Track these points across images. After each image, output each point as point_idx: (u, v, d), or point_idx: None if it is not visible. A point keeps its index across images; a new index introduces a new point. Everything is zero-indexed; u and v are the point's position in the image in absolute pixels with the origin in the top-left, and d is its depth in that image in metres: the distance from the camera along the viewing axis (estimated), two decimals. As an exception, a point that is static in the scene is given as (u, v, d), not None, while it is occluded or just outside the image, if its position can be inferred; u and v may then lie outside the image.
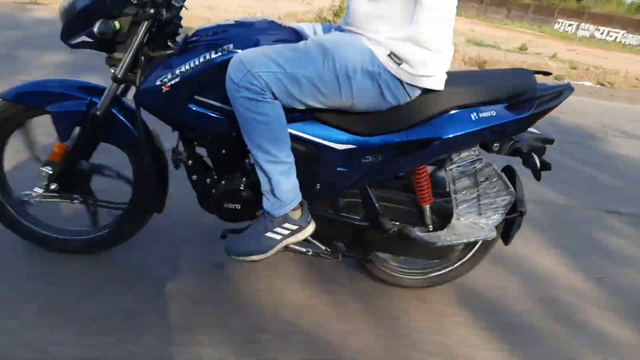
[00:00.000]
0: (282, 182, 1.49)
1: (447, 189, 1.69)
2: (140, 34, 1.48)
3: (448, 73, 1.51)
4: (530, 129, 1.67)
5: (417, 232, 1.69)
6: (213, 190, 1.68)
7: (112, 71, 1.55)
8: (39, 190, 1.70)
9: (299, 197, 1.56)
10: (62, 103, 1.60)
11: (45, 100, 1.60)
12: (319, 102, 1.46)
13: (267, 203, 1.54)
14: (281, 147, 1.46)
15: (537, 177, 1.71)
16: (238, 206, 1.67)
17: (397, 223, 1.73)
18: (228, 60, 1.43)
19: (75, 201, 1.74)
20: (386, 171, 1.64)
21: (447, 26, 1.44)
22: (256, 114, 1.40)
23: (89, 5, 1.43)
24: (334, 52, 1.40)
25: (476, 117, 1.55)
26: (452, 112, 1.55)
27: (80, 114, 1.59)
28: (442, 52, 1.46)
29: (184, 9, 1.56)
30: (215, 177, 1.69)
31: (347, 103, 1.47)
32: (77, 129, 1.63)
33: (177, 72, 1.45)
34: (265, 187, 1.52)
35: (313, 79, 1.40)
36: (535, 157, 1.62)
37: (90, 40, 1.48)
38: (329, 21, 7.17)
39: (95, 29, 1.41)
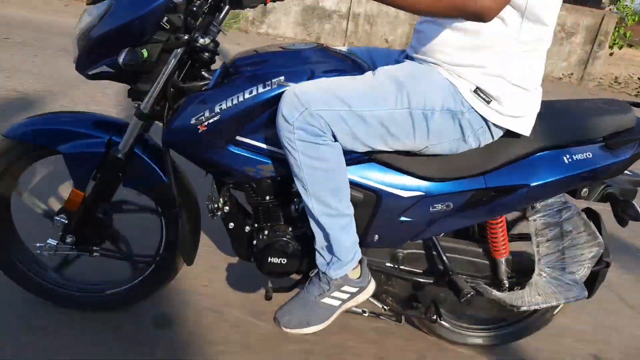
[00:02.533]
0: (342, 238, 1.25)
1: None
2: (172, 63, 1.25)
3: None
4: None
5: (496, 293, 1.44)
6: (254, 241, 1.44)
7: (136, 106, 1.32)
8: (53, 243, 1.47)
9: (359, 254, 1.32)
10: (76, 142, 1.36)
11: (56, 140, 1.37)
12: (386, 145, 1.23)
13: (323, 262, 1.30)
14: (342, 197, 1.23)
15: (624, 223, 1.46)
16: (284, 261, 1.43)
17: (468, 279, 1.48)
18: (278, 96, 1.20)
19: (95, 254, 1.51)
20: (458, 222, 1.40)
21: (541, 63, 1.23)
22: (314, 159, 1.17)
23: (112, 31, 1.19)
24: (409, 87, 1.17)
25: (569, 160, 1.31)
26: (541, 153, 1.31)
27: (98, 156, 1.36)
28: (534, 91, 1.23)
29: (221, 34, 1.32)
30: (256, 225, 1.45)
31: (419, 146, 1.24)
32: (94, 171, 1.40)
33: (217, 109, 1.22)
34: (320, 243, 1.28)
35: (382, 119, 1.16)
36: (637, 205, 1.37)
37: (112, 70, 1.25)
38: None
39: (121, 60, 1.17)
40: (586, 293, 1.44)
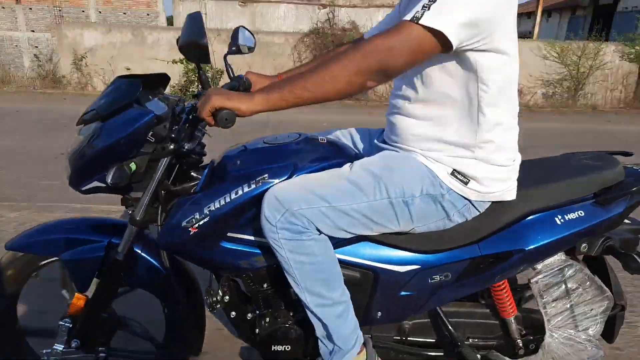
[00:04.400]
0: (341, 326, 1.25)
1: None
2: (160, 171, 1.29)
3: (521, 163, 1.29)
4: None
5: (508, 361, 1.40)
6: (256, 330, 1.44)
7: (130, 213, 1.35)
8: (59, 348, 1.48)
9: (361, 338, 1.30)
10: (76, 249, 1.39)
11: (55, 248, 1.41)
12: (372, 231, 1.24)
13: (326, 351, 1.29)
14: (333, 286, 1.23)
15: (634, 271, 1.42)
16: (288, 347, 1.41)
17: (480, 342, 1.45)
18: (264, 192, 1.22)
19: (101, 355, 1.51)
20: (460, 291, 1.38)
21: (514, 131, 1.24)
22: (301, 254, 1.18)
23: (101, 150, 1.24)
24: (385, 178, 1.18)
25: (562, 221, 1.30)
26: (532, 217, 1.30)
27: (98, 261, 1.39)
28: (512, 161, 1.24)
29: (206, 136, 1.36)
30: (257, 312, 1.45)
31: (406, 228, 1.25)
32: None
33: (206, 211, 1.24)
34: (320, 332, 1.28)
35: (363, 211, 1.18)
36: (638, 257, 1.34)
37: (104, 185, 1.28)
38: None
39: (109, 180, 1.21)
40: (602, 352, 1.40)
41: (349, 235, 1.24)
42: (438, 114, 1.19)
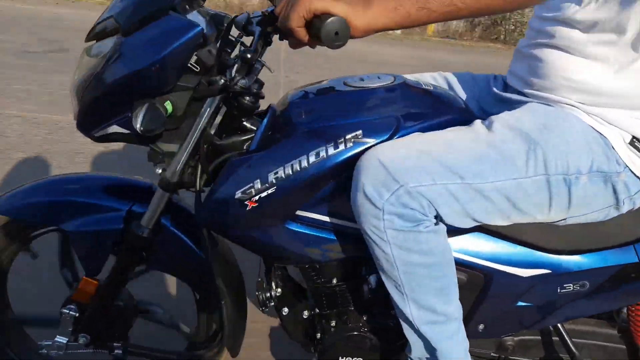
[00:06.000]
0: (450, 349, 0.91)
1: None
2: (205, 116, 0.92)
3: None
4: None
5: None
6: (317, 334, 1.11)
7: (159, 172, 1.00)
8: (62, 340, 1.15)
9: None
10: (84, 218, 1.05)
11: (55, 214, 1.07)
12: (508, 220, 0.89)
13: None
14: (450, 298, 0.89)
15: None
16: (359, 360, 1.09)
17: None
18: (355, 157, 0.86)
19: (117, 351, 1.19)
20: (594, 306, 1.05)
21: None
22: (413, 252, 0.83)
23: (123, 79, 0.87)
24: (544, 144, 0.82)
25: None
26: None
27: (114, 235, 1.05)
28: None
29: (265, 69, 0.98)
30: (317, 310, 1.12)
31: (554, 219, 0.89)
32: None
33: (271, 178, 0.88)
34: (419, 353, 0.94)
35: (508, 191, 0.82)
36: None
37: (126, 131, 0.92)
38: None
39: (138, 124, 0.85)
40: None
41: (472, 225, 0.88)
42: (618, 52, 0.81)
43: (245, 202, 0.90)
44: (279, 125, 0.95)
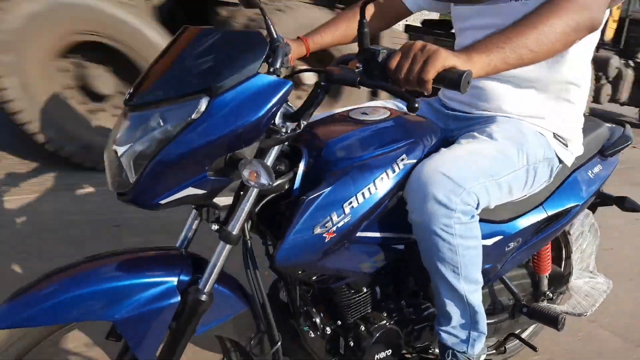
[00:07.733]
0: (482, 310, 1.19)
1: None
2: (269, 164, 0.98)
3: None
4: None
5: (563, 308, 1.55)
6: (345, 343, 1.24)
7: (215, 227, 0.99)
8: None
9: None
10: (132, 302, 0.93)
11: (94, 308, 0.92)
12: (501, 201, 1.21)
13: (458, 342, 1.20)
14: (480, 267, 1.16)
15: (628, 209, 1.64)
16: (389, 352, 1.27)
17: (524, 304, 1.56)
18: (405, 176, 1.07)
19: None
20: (524, 254, 1.46)
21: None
22: (470, 238, 1.08)
23: (216, 141, 0.86)
24: (525, 145, 1.18)
25: (592, 174, 1.51)
26: (574, 173, 1.48)
27: (172, 310, 0.97)
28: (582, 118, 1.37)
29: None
30: (339, 322, 1.26)
31: (519, 195, 1.25)
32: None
33: (347, 209, 1.01)
34: (457, 322, 1.18)
35: (510, 182, 1.15)
36: (630, 199, 1.65)
37: (201, 192, 0.91)
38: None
39: (266, 180, 0.87)
40: (610, 280, 1.68)
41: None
42: (536, 75, 1.20)
43: (324, 235, 1.00)
44: (324, 163, 1.06)
